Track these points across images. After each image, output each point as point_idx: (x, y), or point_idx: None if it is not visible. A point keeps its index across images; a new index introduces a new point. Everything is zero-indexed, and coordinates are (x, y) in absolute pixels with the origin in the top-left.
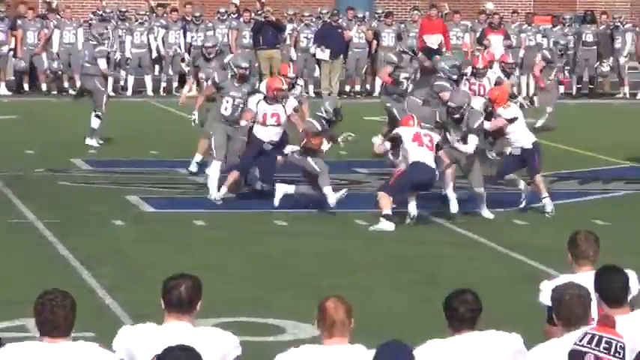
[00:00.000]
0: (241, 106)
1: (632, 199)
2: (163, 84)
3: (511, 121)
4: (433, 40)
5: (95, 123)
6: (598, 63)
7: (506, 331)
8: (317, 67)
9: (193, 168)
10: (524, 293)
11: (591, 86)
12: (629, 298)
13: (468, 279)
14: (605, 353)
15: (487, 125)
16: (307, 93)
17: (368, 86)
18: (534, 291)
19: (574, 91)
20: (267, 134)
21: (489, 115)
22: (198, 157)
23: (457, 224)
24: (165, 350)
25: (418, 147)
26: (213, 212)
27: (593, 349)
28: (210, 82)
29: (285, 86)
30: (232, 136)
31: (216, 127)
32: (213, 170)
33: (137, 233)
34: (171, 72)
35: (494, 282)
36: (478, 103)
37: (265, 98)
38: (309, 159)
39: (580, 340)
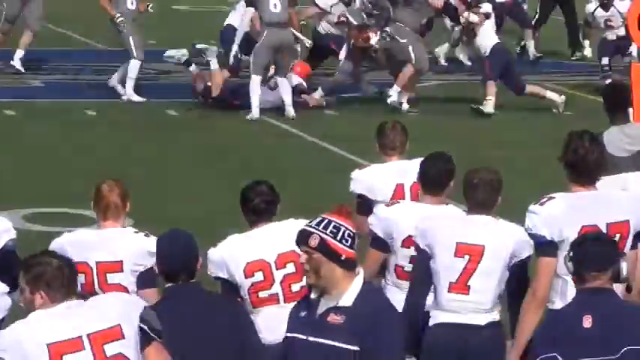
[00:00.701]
0: None
1: (437, 90)
2: None
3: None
4: None
5: None
6: None
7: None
8: None
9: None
10: (335, 182)
11: None
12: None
13: (280, 169)
14: (331, 237)
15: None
16: None
17: None
18: (346, 180)
19: None
20: None
21: None
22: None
23: (268, 114)
24: None
25: None
26: (25, 101)
27: (321, 231)
28: None
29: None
30: None
31: None
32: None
33: None
34: None
35: (306, 172)
36: None
37: None
38: None
39: (311, 221)
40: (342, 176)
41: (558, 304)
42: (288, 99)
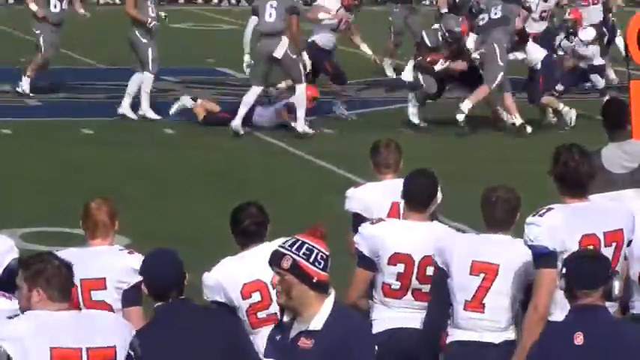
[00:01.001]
0: None
1: (436, 106)
2: None
3: None
4: None
5: None
6: None
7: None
8: None
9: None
10: (332, 201)
11: None
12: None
13: (277, 187)
14: (304, 259)
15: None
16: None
17: None
18: (342, 199)
19: None
20: None
21: None
22: None
23: (264, 132)
24: None
25: None
26: (20, 120)
27: (293, 253)
28: None
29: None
30: None
31: None
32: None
33: None
34: None
35: (303, 190)
36: None
37: None
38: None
39: (285, 242)
40: (338, 194)
41: (558, 316)
42: (300, 113)
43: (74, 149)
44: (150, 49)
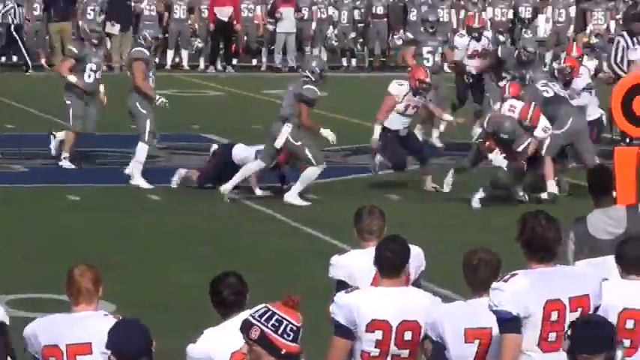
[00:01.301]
0: None
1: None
2: None
3: None
4: (224, 13)
5: None
6: (390, 35)
7: None
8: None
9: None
10: (318, 268)
11: (383, 59)
12: (418, 272)
13: (264, 255)
14: (272, 331)
15: None
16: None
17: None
18: (327, 266)
19: (366, 64)
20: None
21: None
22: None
23: (252, 200)
24: None
25: None
26: (5, 187)
27: (262, 324)
28: None
29: (428, 79)
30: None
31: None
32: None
33: None
34: None
35: (289, 257)
36: None
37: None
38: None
39: (255, 312)
40: (325, 262)
41: None
42: (297, 188)
43: (61, 215)
44: (148, 121)
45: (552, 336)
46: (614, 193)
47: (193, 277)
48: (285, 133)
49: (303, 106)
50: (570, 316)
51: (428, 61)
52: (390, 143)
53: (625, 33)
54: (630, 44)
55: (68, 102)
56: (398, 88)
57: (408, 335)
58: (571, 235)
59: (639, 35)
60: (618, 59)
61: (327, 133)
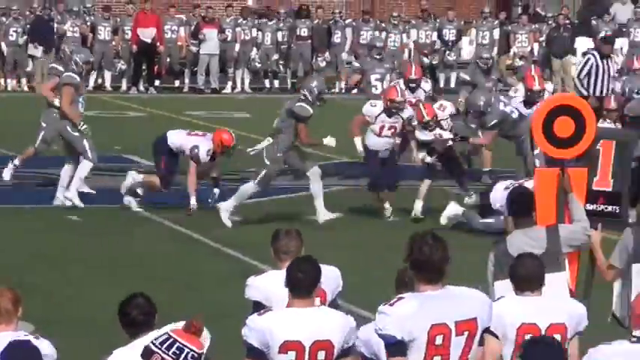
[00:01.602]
0: None
1: (345, 194)
2: None
3: None
4: (147, 35)
5: None
6: (314, 57)
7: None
8: (30, 62)
9: None
10: (237, 289)
11: None
12: (335, 293)
13: (183, 275)
14: (173, 359)
15: None
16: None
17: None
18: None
19: (289, 85)
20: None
21: None
22: None
23: (170, 220)
24: None
25: None
26: None
27: (163, 351)
28: None
29: (400, 98)
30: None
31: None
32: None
33: None
34: None
35: (209, 278)
36: None
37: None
38: None
39: (156, 339)
40: (244, 283)
41: None
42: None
43: None
44: (84, 140)
45: (437, 359)
46: (534, 214)
47: (110, 297)
48: (262, 144)
49: (301, 126)
50: (455, 340)
51: (376, 89)
52: (371, 161)
53: (596, 52)
54: (600, 64)
55: (44, 124)
56: (370, 109)
57: (321, 355)
58: (491, 257)
59: (609, 58)
60: (582, 75)
61: (327, 141)
